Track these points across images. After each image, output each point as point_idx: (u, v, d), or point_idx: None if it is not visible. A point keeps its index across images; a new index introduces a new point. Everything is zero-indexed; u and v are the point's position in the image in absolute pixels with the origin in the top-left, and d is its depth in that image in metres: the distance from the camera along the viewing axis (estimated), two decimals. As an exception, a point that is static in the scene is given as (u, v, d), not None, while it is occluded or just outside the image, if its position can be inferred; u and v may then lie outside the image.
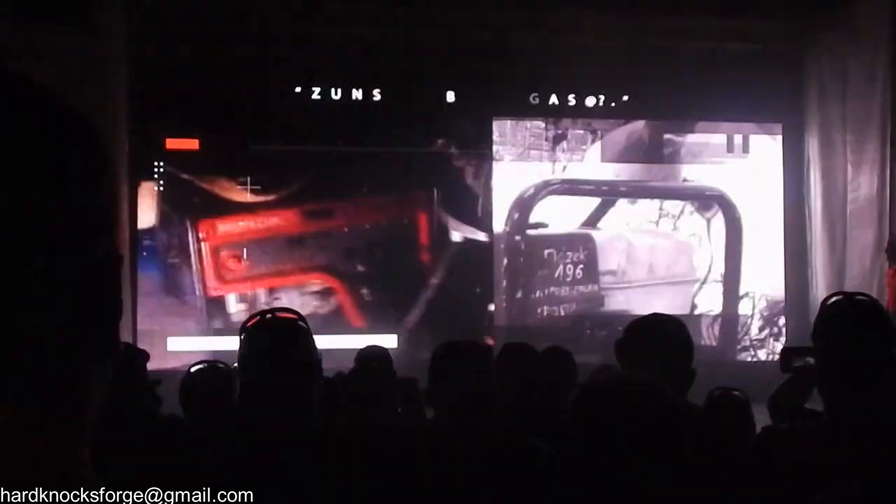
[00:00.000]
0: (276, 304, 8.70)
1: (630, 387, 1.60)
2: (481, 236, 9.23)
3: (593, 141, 9.49)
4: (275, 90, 8.81)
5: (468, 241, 9.20)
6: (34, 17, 5.67)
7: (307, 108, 8.88)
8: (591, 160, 9.50)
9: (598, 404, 1.55)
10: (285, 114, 8.84)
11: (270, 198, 8.88)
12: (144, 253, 8.64)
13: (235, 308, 8.80)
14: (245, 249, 8.84)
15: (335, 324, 8.77)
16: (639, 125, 9.57)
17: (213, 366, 3.54)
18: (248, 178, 8.86)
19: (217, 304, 8.83)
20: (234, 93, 8.61)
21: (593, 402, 1.57)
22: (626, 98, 9.38)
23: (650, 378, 1.63)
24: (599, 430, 1.51)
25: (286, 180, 8.88)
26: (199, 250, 8.78)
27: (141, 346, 3.45)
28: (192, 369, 3.54)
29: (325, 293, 8.96)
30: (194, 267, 8.78)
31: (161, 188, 8.72)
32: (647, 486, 1.46)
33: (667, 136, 9.64)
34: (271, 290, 8.92)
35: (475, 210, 9.25)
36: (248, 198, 8.84)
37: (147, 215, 8.68)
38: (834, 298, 2.22)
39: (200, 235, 8.77)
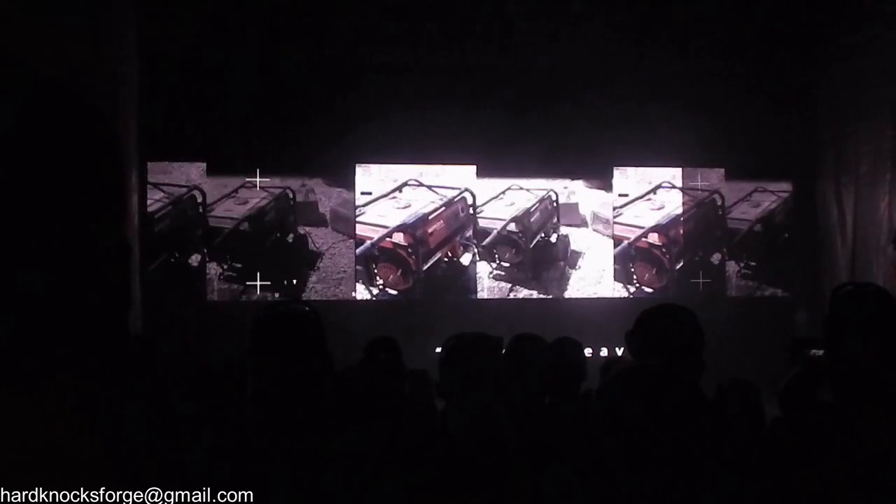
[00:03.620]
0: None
1: (653, 375, 1.59)
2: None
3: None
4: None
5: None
6: (42, 10, 5.69)
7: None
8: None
9: (624, 393, 1.55)
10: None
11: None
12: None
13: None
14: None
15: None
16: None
17: (230, 356, 3.53)
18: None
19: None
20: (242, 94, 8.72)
21: (619, 392, 1.57)
22: None
23: (667, 367, 1.63)
24: (624, 419, 1.51)
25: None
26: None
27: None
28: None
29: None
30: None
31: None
32: (666, 474, 1.46)
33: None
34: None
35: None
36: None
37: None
38: (844, 289, 2.21)
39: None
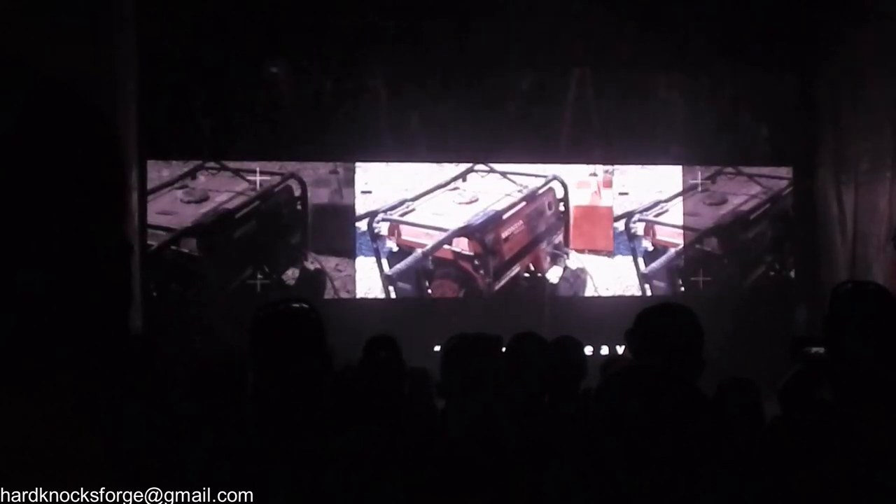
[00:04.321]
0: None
1: (652, 375, 1.60)
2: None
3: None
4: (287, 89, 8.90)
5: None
6: (42, 10, 5.70)
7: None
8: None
9: (623, 393, 1.56)
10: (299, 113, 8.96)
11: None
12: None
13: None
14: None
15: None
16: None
17: (230, 356, 3.53)
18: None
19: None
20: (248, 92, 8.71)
21: (618, 391, 1.57)
22: None
23: (666, 366, 1.63)
24: (624, 419, 1.51)
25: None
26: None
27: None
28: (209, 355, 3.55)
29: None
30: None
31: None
32: (666, 474, 1.47)
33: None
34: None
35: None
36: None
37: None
38: (844, 287, 2.21)
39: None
